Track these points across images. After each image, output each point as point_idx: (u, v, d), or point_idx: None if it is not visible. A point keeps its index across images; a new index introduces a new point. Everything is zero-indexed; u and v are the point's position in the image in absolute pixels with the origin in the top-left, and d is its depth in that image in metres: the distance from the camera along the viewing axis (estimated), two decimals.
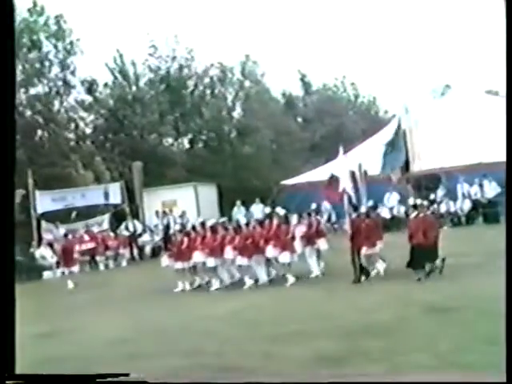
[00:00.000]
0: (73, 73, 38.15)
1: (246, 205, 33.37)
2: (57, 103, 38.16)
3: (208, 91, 43.18)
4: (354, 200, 20.25)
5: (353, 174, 20.59)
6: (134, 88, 41.05)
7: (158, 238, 30.89)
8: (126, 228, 31.87)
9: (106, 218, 32.92)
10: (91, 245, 30.45)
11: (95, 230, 31.47)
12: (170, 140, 42.69)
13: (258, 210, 31.38)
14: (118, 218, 32.98)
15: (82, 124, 39.84)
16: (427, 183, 31.90)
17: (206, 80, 43.16)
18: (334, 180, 19.55)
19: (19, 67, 36.08)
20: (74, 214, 32.47)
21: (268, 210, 28.17)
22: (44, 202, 32.78)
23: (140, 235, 31.27)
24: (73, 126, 39.07)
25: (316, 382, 7.86)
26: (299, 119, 47.47)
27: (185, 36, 43.04)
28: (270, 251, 19.05)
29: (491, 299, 7.33)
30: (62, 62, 37.45)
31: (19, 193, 31.45)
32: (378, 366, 9.42)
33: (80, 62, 38.38)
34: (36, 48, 36.77)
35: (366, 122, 46.85)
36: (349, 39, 75.02)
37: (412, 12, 71.06)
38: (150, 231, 31.69)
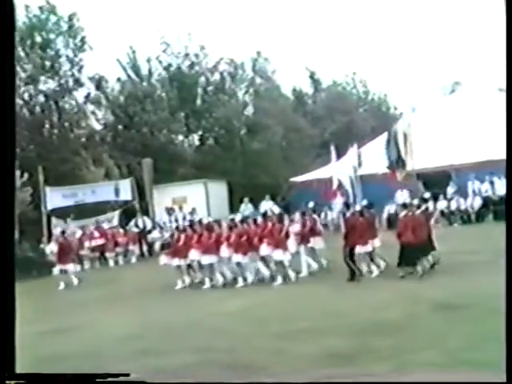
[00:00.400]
0: (82, 70, 38.30)
1: (256, 201, 33.21)
2: (68, 100, 38.09)
3: (219, 88, 43.00)
4: (349, 199, 20.45)
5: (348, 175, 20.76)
6: (144, 85, 40.98)
7: (167, 234, 30.88)
8: (136, 225, 31.82)
9: (116, 215, 32.87)
10: (101, 241, 30.49)
11: (105, 226, 31.44)
12: (181, 137, 42.63)
13: (268, 206, 31.26)
14: (127, 214, 32.89)
15: (92, 120, 39.86)
16: (437, 180, 31.57)
17: (217, 77, 43.12)
18: (329, 179, 19.68)
19: (29, 64, 36.23)
20: (71, 216, 32.34)
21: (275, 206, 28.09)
22: (54, 198, 32.85)
23: (150, 232, 31.20)
24: (83, 122, 38.97)
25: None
26: (309, 116, 47.22)
27: (197, 33, 42.87)
28: (264, 249, 19.10)
29: (500, 297, 7.22)
30: (73, 59, 37.46)
31: (27, 190, 31.61)
32: (386, 363, 9.47)
33: (91, 59, 38.77)
34: (47, 46, 36.73)
35: (377, 119, 46.66)
36: (358, 37, 75.03)
37: (419, 9, 70.70)
38: (159, 228, 31.64)
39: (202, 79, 42.77)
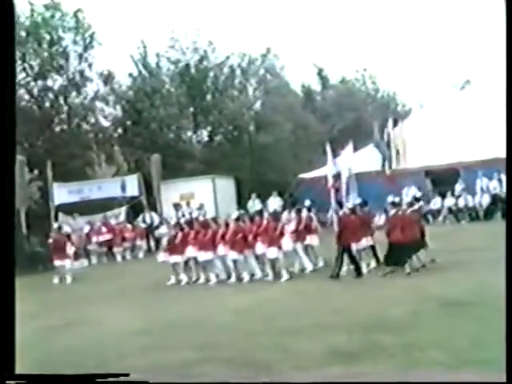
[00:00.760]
0: (91, 66, 38.36)
1: (264, 198, 33.13)
2: (76, 96, 38.12)
3: (228, 84, 42.92)
4: (342, 198, 20.71)
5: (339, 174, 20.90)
6: (153, 80, 40.84)
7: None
8: (144, 220, 31.85)
9: (123, 210, 32.85)
10: (108, 236, 30.59)
11: (113, 221, 31.49)
12: (189, 133, 42.50)
13: (275, 202, 31.23)
14: (135, 210, 32.86)
15: (100, 116, 39.85)
16: (446, 178, 31.48)
17: (226, 73, 42.97)
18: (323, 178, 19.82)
19: (37, 61, 36.28)
20: (74, 214, 32.38)
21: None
22: (61, 194, 32.83)
23: (157, 227, 31.18)
24: (92, 118, 38.98)
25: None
26: (318, 113, 47.06)
27: (206, 29, 42.61)
28: (259, 247, 19.15)
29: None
30: (81, 54, 37.48)
31: (36, 186, 31.67)
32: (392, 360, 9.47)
33: (99, 55, 38.85)
34: (55, 43, 36.76)
35: (385, 116, 46.42)
36: (367, 34, 74.54)
37: (428, 6, 70.43)
38: (166, 223, 31.61)
39: (211, 75, 42.52)
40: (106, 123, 40.44)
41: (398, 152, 33.47)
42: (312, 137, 42.34)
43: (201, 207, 31.74)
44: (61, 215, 32.39)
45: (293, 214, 20.65)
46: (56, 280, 23.99)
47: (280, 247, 18.95)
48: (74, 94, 37.94)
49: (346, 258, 18.34)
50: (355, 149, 34.83)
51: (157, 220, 31.97)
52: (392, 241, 17.64)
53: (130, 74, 41.06)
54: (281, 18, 69.14)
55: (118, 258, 30.06)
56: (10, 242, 5.65)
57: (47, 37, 36.96)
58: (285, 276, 18.72)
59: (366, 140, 36.25)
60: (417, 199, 22.44)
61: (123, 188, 33.47)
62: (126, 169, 34.93)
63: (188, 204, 33.16)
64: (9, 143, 5.61)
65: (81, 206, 33.06)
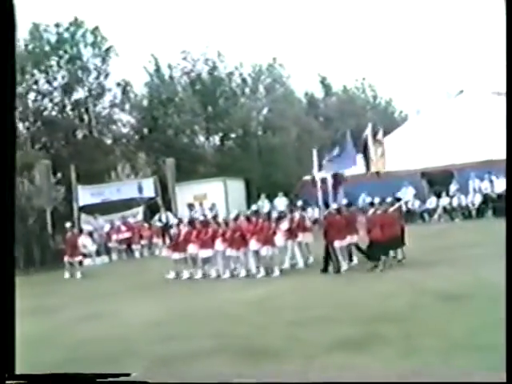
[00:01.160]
0: (108, 76, 38.39)
1: (272, 198, 33.07)
2: (96, 105, 38.00)
3: (237, 92, 42.88)
4: (329, 198, 20.83)
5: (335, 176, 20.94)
6: (167, 90, 40.73)
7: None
8: (160, 219, 31.69)
9: (140, 210, 32.72)
10: (127, 234, 30.63)
11: (131, 220, 31.45)
12: (202, 138, 42.47)
13: (281, 202, 30.95)
14: (152, 210, 32.70)
15: (119, 123, 39.72)
16: (441, 178, 31.52)
17: (235, 82, 42.96)
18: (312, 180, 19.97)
19: (61, 73, 36.25)
20: (95, 215, 32.23)
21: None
22: (84, 195, 32.73)
23: (172, 226, 30.97)
24: (111, 125, 38.84)
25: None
26: (321, 119, 46.89)
27: (215, 41, 42.80)
28: (253, 244, 19.13)
29: (499, 286, 7.21)
30: (100, 67, 37.37)
31: (60, 188, 31.52)
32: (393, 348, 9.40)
33: (117, 67, 38.91)
34: (76, 57, 36.72)
35: (384, 122, 46.06)
36: (367, 45, 74.45)
37: (425, 19, 70.17)
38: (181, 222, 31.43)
39: (221, 84, 42.52)
40: (124, 130, 40.22)
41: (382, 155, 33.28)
42: (316, 141, 42.01)
43: (213, 207, 31.87)
44: (84, 215, 32.32)
45: (287, 214, 20.79)
46: (67, 275, 24.06)
47: (273, 245, 19.00)
48: (94, 103, 37.68)
49: (337, 254, 18.31)
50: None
51: (172, 219, 31.71)
52: (371, 238, 17.73)
53: (146, 84, 40.89)
54: (286, 30, 69.28)
55: (137, 254, 29.97)
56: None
57: (70, 51, 36.71)
58: (276, 272, 18.78)
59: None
60: (397, 199, 22.30)
61: (140, 190, 33.40)
62: (143, 172, 34.65)
63: (201, 204, 33.18)
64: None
65: (102, 206, 32.91)
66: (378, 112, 51.57)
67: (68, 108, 37.27)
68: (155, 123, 39.41)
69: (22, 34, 35.82)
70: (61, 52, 36.81)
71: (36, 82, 36.72)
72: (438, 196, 31.04)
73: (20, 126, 36.49)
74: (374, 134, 32.13)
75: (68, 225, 26.56)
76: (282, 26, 68.66)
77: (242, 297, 15.80)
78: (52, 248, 28.90)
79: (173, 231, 21.75)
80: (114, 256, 30.20)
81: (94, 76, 37.69)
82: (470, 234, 23.38)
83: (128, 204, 32.94)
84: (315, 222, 25.04)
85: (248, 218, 20.23)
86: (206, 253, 19.98)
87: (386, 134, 36.89)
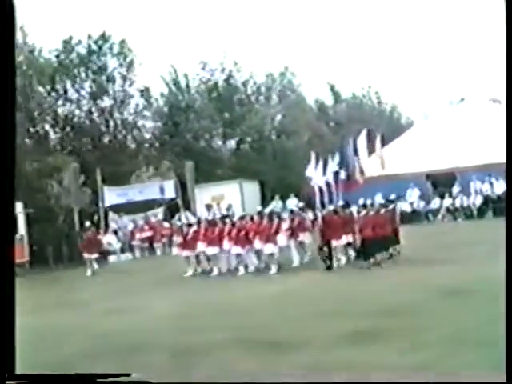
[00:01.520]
0: (132, 85, 38.25)
1: (286, 199, 32.82)
2: (121, 111, 37.93)
3: (252, 99, 42.73)
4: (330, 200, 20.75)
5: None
6: (187, 97, 40.70)
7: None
8: (179, 219, 31.43)
9: (161, 211, 32.64)
10: (149, 233, 30.58)
11: (153, 220, 31.32)
12: (219, 142, 42.31)
13: (293, 203, 30.66)
14: (172, 210, 32.49)
15: (142, 129, 39.67)
16: (444, 181, 31.36)
17: (250, 89, 42.84)
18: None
19: (88, 82, 36.29)
20: (120, 214, 32.06)
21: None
22: (110, 196, 32.65)
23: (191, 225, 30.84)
24: (134, 131, 38.75)
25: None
26: (330, 124, 46.62)
27: (231, 51, 42.84)
28: (257, 243, 19.15)
29: (499, 283, 7.01)
30: (125, 76, 37.29)
31: (86, 190, 31.49)
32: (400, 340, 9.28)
33: (141, 77, 38.82)
34: (103, 68, 36.69)
35: (389, 127, 45.67)
36: (375, 54, 74.16)
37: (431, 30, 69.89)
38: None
39: (237, 91, 42.40)
40: (147, 135, 40.12)
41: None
42: (326, 145, 41.79)
43: (229, 207, 31.63)
44: (111, 214, 32.35)
45: (287, 215, 20.81)
46: (89, 272, 23.95)
47: (275, 243, 18.96)
48: (119, 110, 37.61)
49: (337, 252, 18.35)
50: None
51: (191, 219, 31.58)
52: (363, 237, 17.68)
53: (167, 92, 40.80)
54: (297, 41, 69.29)
55: (158, 252, 29.81)
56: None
57: (97, 62, 36.70)
58: (273, 269, 18.67)
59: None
60: (390, 201, 22.17)
61: (162, 191, 33.12)
62: (164, 174, 34.50)
63: (218, 205, 33.00)
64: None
65: (126, 206, 32.85)
66: (384, 118, 51.18)
67: (95, 115, 37.18)
68: (176, 129, 39.39)
69: (55, 46, 36.02)
70: (89, 63, 36.76)
71: (66, 92, 36.63)
72: (442, 197, 30.93)
73: (50, 132, 36.54)
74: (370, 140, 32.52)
75: (88, 224, 26.40)
76: (293, 37, 68.67)
77: (256, 292, 15.69)
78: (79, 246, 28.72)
79: (185, 230, 21.59)
80: (137, 253, 30.17)
81: (119, 85, 37.63)
82: (471, 232, 23.21)
83: (150, 204, 32.85)
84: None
85: (252, 218, 20.23)
86: (213, 250, 19.94)
87: (391, 138, 36.97)
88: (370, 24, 73.74)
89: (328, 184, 30.44)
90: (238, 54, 55.58)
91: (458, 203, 30.19)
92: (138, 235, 30.50)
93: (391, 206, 20.17)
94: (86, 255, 24.53)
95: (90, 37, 36.81)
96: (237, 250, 19.41)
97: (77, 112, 36.89)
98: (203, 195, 33.93)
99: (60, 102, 36.12)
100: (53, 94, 35.71)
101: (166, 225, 30.53)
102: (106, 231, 30.77)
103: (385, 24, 76.68)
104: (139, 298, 16.35)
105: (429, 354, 8.38)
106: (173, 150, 39.04)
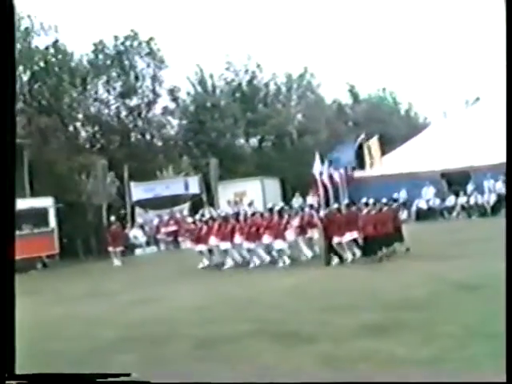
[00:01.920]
0: (162, 84, 38.23)
1: (306, 195, 32.63)
2: (149, 110, 37.88)
3: (274, 99, 42.59)
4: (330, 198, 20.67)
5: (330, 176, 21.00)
6: (212, 97, 40.60)
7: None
8: (203, 214, 31.27)
9: (186, 206, 32.45)
10: (174, 227, 30.47)
11: (178, 215, 31.22)
12: (242, 141, 42.12)
13: (312, 201, 30.43)
14: (196, 205, 32.27)
15: (168, 127, 39.58)
16: (459, 179, 30.94)
17: (272, 90, 42.66)
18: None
19: (119, 82, 36.27)
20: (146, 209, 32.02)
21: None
22: (137, 191, 32.64)
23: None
24: (161, 128, 38.67)
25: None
26: (349, 124, 46.19)
27: (254, 53, 42.68)
28: (266, 238, 19.12)
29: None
30: (153, 76, 37.24)
31: (115, 185, 31.52)
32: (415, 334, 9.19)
33: (168, 76, 38.59)
34: (132, 67, 36.62)
35: (406, 127, 45.14)
36: (394, 55, 73.65)
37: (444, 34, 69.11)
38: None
39: (260, 92, 42.30)
40: (173, 133, 40.03)
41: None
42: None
43: (251, 203, 31.40)
44: (137, 209, 32.38)
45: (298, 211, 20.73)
46: (116, 264, 24.20)
47: (284, 239, 18.94)
48: (147, 109, 37.51)
49: (338, 248, 18.23)
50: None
51: (214, 214, 31.44)
52: (365, 235, 17.64)
53: (193, 91, 40.65)
54: (317, 44, 69.10)
55: (182, 245, 29.51)
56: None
57: (126, 61, 36.64)
58: (282, 263, 18.71)
59: (389, 147, 35.44)
60: (394, 200, 21.90)
61: (187, 187, 33.12)
62: (188, 170, 34.42)
63: (240, 201, 32.87)
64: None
65: (153, 201, 32.76)
66: (402, 117, 50.61)
67: (123, 114, 37.12)
68: (201, 127, 39.16)
69: (86, 49, 36.08)
70: (119, 63, 36.66)
71: (96, 92, 36.61)
72: (457, 195, 30.57)
73: (81, 130, 36.59)
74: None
75: (113, 218, 26.39)
76: (313, 40, 68.43)
77: (276, 284, 15.64)
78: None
79: (198, 225, 21.58)
80: (162, 247, 30.22)
81: (146, 84, 37.51)
82: (485, 229, 22.67)
83: (176, 200, 32.76)
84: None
85: (262, 215, 20.33)
86: (225, 245, 19.99)
87: (408, 138, 36.66)
88: (388, 25, 73.26)
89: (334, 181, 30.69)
90: (261, 55, 55.71)
91: (472, 201, 29.84)
92: (163, 229, 30.60)
93: (394, 205, 20.12)
94: (111, 248, 24.68)
95: (118, 38, 36.72)
96: (248, 245, 19.48)
97: (106, 111, 36.89)
98: (226, 191, 33.82)
99: (90, 102, 36.08)
100: (84, 94, 35.71)
101: (190, 220, 30.51)
102: (132, 225, 30.81)
103: (402, 24, 76.15)
104: (164, 289, 16.38)
105: (444, 346, 8.30)
106: (198, 148, 38.97)
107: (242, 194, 33.54)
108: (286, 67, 43.92)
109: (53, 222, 26.61)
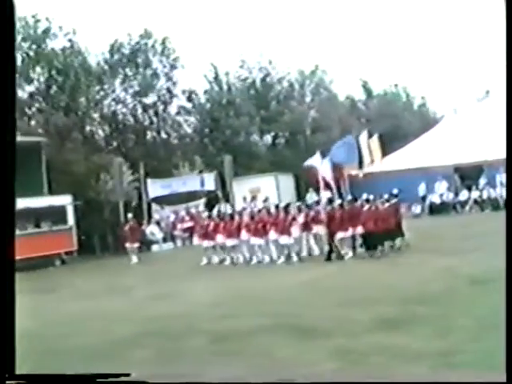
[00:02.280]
0: (176, 84, 38.29)
1: (318, 191, 32.28)
2: (164, 109, 37.91)
3: (288, 96, 42.39)
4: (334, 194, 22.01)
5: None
6: (227, 95, 40.46)
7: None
8: (219, 211, 31.23)
9: (202, 202, 32.35)
10: (190, 223, 30.35)
11: (193, 211, 31.06)
12: (257, 137, 41.97)
13: (325, 196, 30.24)
14: (212, 202, 32.18)
15: (184, 125, 39.61)
16: (471, 173, 30.82)
17: (285, 87, 42.51)
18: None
19: (134, 81, 36.28)
20: (162, 205, 31.91)
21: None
22: (155, 188, 32.65)
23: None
24: (177, 127, 38.68)
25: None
26: (362, 119, 45.92)
27: (267, 51, 42.69)
28: (273, 234, 19.10)
29: None
30: (168, 75, 37.26)
31: (132, 183, 31.51)
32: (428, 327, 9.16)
33: (182, 75, 38.45)
34: (147, 66, 36.60)
35: (419, 122, 44.76)
36: (406, 51, 72.98)
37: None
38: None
39: (273, 89, 42.13)
40: (188, 130, 40.05)
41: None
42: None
43: (266, 199, 31.19)
44: (154, 205, 32.34)
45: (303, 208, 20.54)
46: (133, 260, 24.02)
47: (290, 235, 18.89)
48: (162, 107, 37.52)
49: (339, 244, 18.29)
50: (393, 150, 34.63)
51: (230, 210, 31.38)
52: (366, 230, 17.72)
53: (208, 89, 40.61)
54: (329, 41, 68.76)
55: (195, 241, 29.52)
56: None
57: (141, 60, 36.67)
58: (282, 259, 18.83)
59: (403, 142, 35.26)
60: (394, 195, 21.87)
61: (202, 183, 33.01)
62: (204, 167, 34.39)
63: (255, 197, 32.58)
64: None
65: (169, 198, 32.74)
66: (415, 113, 50.19)
67: (139, 112, 37.18)
68: (216, 124, 39.15)
69: (103, 49, 36.11)
70: (134, 61, 36.67)
71: (114, 91, 36.66)
72: (469, 189, 30.41)
73: (99, 129, 36.67)
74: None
75: (130, 215, 26.38)
76: (326, 37, 68.16)
77: (290, 279, 15.62)
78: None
79: (206, 222, 21.53)
80: (179, 243, 30.10)
81: (162, 82, 37.52)
82: (498, 223, 22.32)
83: (192, 196, 32.73)
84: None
85: (268, 211, 20.20)
86: (231, 241, 20.02)
87: (421, 133, 36.45)
88: (399, 21, 72.75)
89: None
90: (274, 52, 55.56)
91: (485, 195, 29.64)
92: (179, 226, 30.49)
93: (394, 200, 19.96)
94: (127, 245, 24.70)
95: (133, 37, 36.74)
96: (255, 240, 19.46)
97: (123, 110, 36.95)
98: (241, 188, 33.67)
99: (106, 102, 36.17)
100: (101, 93, 35.79)
101: (205, 216, 30.46)
102: (149, 222, 30.79)
103: (413, 20, 75.71)
104: (180, 285, 16.40)
105: (457, 339, 8.28)
106: (213, 145, 38.94)
107: (256, 190, 33.39)
108: (298, 64, 43.69)
109: (71, 219, 26.67)
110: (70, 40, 33.95)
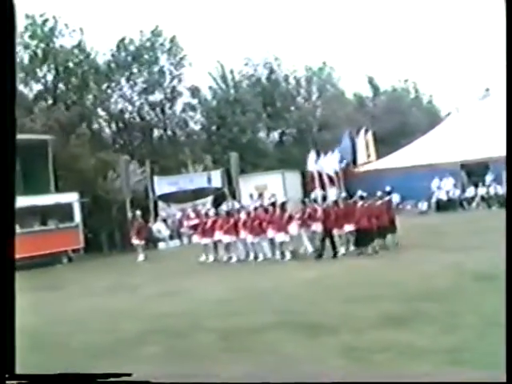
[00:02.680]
0: (181, 82, 38.30)
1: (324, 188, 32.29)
2: (170, 106, 37.89)
3: (294, 93, 42.40)
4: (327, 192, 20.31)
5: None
6: (233, 92, 40.53)
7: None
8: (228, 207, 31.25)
9: (209, 199, 32.21)
10: (197, 221, 30.15)
11: (200, 208, 31.03)
12: (263, 135, 42.03)
13: (332, 192, 30.21)
14: (219, 199, 32.15)
15: (191, 122, 39.66)
16: (478, 170, 30.74)
17: (292, 84, 42.50)
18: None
19: (141, 79, 36.28)
20: (168, 203, 31.97)
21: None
22: (162, 185, 32.63)
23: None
24: (183, 124, 38.62)
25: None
26: (369, 116, 45.86)
27: (273, 48, 42.69)
28: (270, 232, 19.10)
29: None
30: (174, 73, 37.24)
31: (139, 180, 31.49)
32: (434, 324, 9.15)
33: (189, 73, 38.52)
34: (154, 64, 36.53)
35: (426, 119, 44.63)
36: (411, 47, 72.98)
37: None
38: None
39: (279, 86, 42.17)
40: (195, 128, 40.06)
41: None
42: None
43: (272, 196, 31.08)
44: (160, 203, 32.31)
45: (299, 205, 20.57)
46: (140, 258, 23.95)
47: (287, 232, 18.87)
48: (168, 105, 37.52)
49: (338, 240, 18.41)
50: (400, 147, 34.61)
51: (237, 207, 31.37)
52: (359, 227, 17.74)
53: (214, 87, 40.57)
54: (335, 38, 68.79)
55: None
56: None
57: (149, 58, 36.68)
58: (288, 256, 18.80)
59: (409, 139, 35.16)
60: (387, 193, 21.78)
61: (209, 180, 32.99)
62: (211, 164, 34.35)
63: (262, 194, 32.54)
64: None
65: (176, 195, 32.77)
66: (422, 109, 50.05)
67: (146, 109, 37.18)
68: (223, 122, 39.15)
69: (109, 46, 36.06)
70: (141, 59, 36.69)
71: (120, 89, 36.68)
72: (476, 186, 30.35)
73: (105, 127, 36.72)
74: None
75: (137, 213, 26.34)
76: (332, 34, 68.14)
77: (295, 276, 15.68)
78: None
79: (204, 220, 21.54)
80: (185, 240, 29.85)
81: (169, 80, 37.52)
82: (505, 220, 22.41)
83: (199, 193, 32.72)
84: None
85: (266, 209, 20.22)
86: (229, 239, 20.02)
87: (428, 129, 36.36)
88: (406, 19, 72.52)
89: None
90: (280, 49, 55.52)
91: (492, 191, 29.53)
92: (185, 223, 30.31)
93: (387, 198, 20.15)
94: (135, 242, 24.65)
95: (141, 33, 36.78)
96: (251, 238, 19.44)
97: (130, 108, 36.99)
98: (248, 185, 33.62)
99: (113, 100, 36.20)
100: (108, 91, 35.82)
101: (212, 213, 30.41)
102: (155, 220, 30.70)
103: (419, 16, 75.55)
104: (187, 282, 16.38)
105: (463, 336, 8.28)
106: (220, 142, 38.86)
107: (263, 187, 33.34)
108: (305, 61, 43.77)
109: (78, 216, 26.67)
110: (78, 39, 34.02)
